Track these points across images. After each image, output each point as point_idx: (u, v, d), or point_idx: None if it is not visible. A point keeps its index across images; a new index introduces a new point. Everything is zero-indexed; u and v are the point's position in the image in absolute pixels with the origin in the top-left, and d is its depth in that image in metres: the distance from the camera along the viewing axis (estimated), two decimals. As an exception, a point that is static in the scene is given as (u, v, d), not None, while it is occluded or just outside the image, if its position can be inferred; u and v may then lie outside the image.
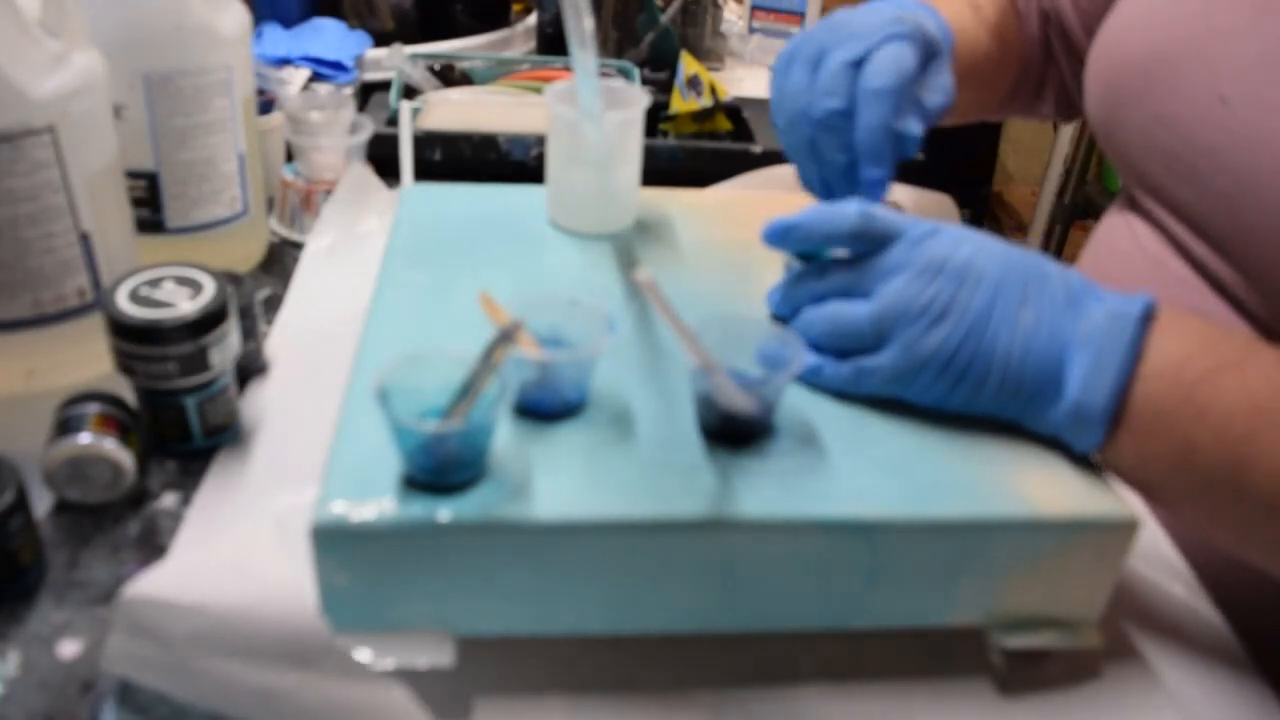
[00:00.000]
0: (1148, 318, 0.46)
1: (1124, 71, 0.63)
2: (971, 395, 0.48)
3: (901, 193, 0.81)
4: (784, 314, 0.54)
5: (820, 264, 0.52)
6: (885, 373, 0.48)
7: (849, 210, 0.49)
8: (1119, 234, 0.67)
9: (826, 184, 0.59)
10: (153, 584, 0.42)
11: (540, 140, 0.93)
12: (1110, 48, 0.65)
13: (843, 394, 0.51)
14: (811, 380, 0.50)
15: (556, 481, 0.44)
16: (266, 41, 1.05)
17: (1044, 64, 0.79)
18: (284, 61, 1.02)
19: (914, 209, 0.71)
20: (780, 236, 0.51)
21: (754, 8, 1.43)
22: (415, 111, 0.95)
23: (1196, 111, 0.57)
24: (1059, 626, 0.48)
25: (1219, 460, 0.44)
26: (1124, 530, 0.46)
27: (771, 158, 0.97)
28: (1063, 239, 2.54)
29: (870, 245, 0.49)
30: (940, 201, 0.90)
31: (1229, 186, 0.55)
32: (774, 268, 0.62)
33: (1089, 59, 0.67)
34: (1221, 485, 0.44)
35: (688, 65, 1.03)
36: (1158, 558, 0.57)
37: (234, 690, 0.41)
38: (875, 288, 0.49)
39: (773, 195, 0.74)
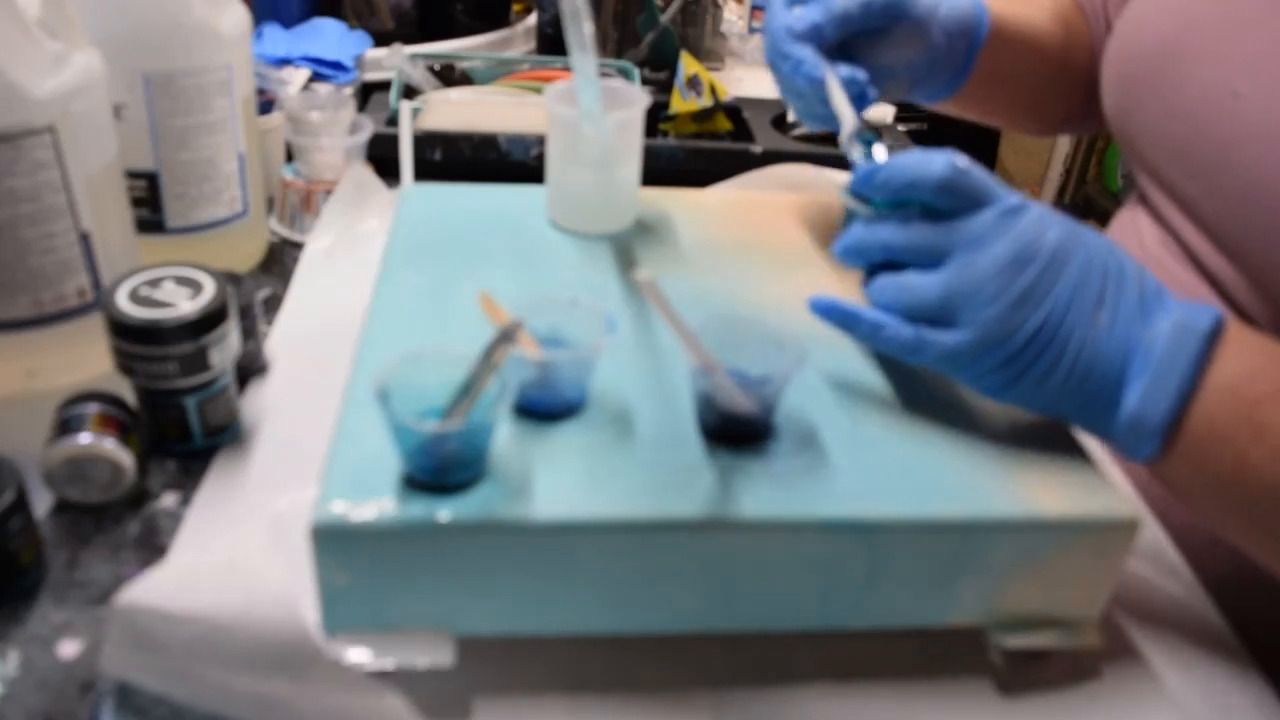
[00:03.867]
0: (1215, 333, 0.44)
1: (1138, 60, 0.62)
2: (1031, 391, 0.46)
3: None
4: (852, 263, 0.51)
5: (902, 212, 0.48)
6: (948, 349, 0.46)
7: (938, 159, 0.46)
8: (1125, 234, 0.67)
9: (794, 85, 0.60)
10: (147, 591, 0.41)
11: (540, 140, 0.93)
12: (1126, 35, 0.64)
13: (889, 366, 0.50)
14: (870, 338, 0.48)
15: (556, 481, 0.44)
16: (266, 41, 1.05)
17: None
18: (284, 61, 1.02)
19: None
20: (865, 180, 0.49)
21: (754, 8, 1.43)
22: (415, 111, 0.95)
23: (1207, 104, 0.56)
24: (1059, 626, 0.48)
25: (1272, 481, 0.43)
26: (1124, 530, 0.46)
27: (771, 158, 0.97)
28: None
29: (956, 203, 0.46)
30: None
31: (1237, 183, 0.54)
32: (774, 267, 0.62)
33: (1106, 48, 0.67)
34: (1272, 507, 0.43)
35: (688, 65, 1.03)
36: (1158, 558, 0.57)
37: (231, 696, 0.41)
38: (955, 255, 0.46)
39: (773, 195, 0.74)
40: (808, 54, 0.58)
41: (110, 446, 0.52)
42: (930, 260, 0.47)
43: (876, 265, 0.50)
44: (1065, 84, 0.74)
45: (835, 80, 0.57)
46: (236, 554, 0.50)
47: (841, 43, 0.60)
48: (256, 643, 0.40)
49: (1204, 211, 0.58)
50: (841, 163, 0.91)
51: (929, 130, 1.69)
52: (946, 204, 0.46)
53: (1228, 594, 0.54)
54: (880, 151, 0.53)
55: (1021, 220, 0.45)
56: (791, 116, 1.07)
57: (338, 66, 1.04)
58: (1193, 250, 0.59)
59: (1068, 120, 0.79)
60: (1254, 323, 0.56)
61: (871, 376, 0.52)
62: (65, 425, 0.52)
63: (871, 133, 0.55)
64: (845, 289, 0.60)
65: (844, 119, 0.56)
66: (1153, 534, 0.58)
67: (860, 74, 0.57)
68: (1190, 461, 0.45)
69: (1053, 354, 0.45)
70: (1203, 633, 0.53)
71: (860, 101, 0.57)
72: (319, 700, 0.40)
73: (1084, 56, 0.74)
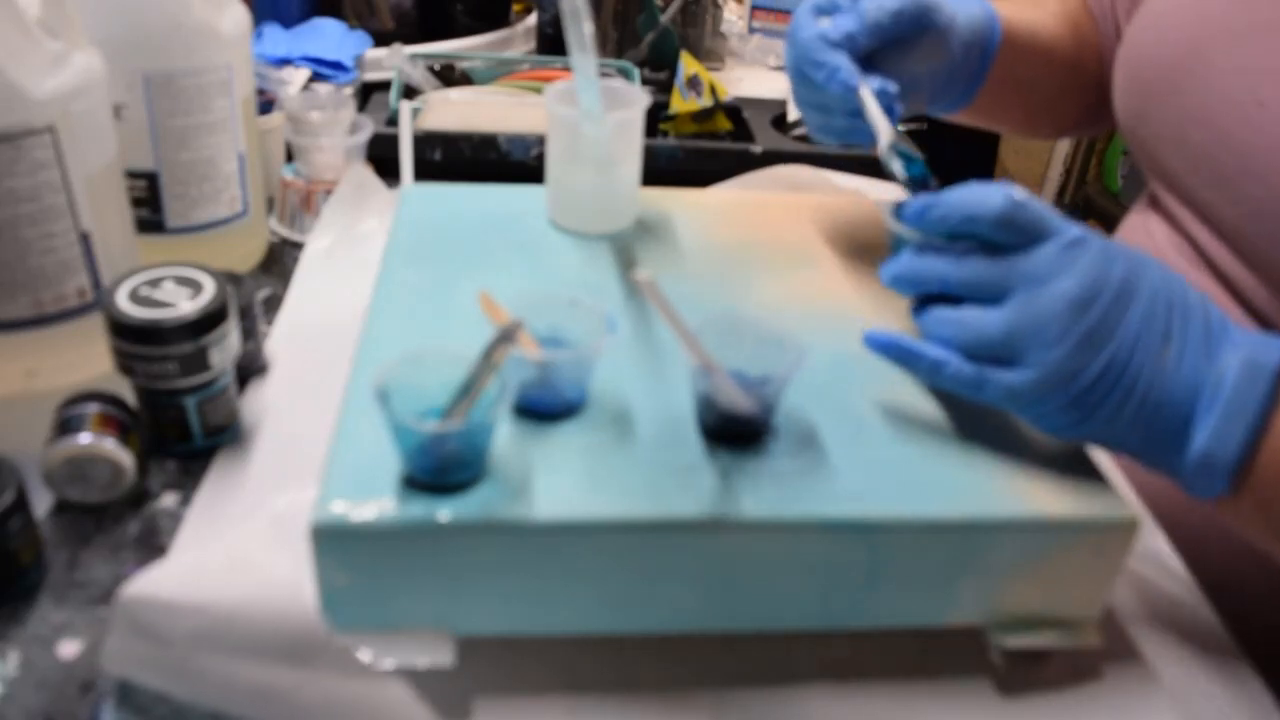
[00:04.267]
0: None
1: (1152, 66, 0.61)
2: (1099, 430, 0.45)
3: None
4: (903, 291, 0.50)
5: (959, 244, 0.47)
6: (1013, 388, 0.45)
7: (996, 193, 0.45)
8: (1136, 237, 0.66)
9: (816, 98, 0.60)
10: (151, 583, 0.42)
11: (540, 140, 0.93)
12: (1139, 40, 0.63)
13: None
14: (931, 375, 0.47)
15: (556, 481, 0.44)
16: (266, 41, 1.05)
17: None
18: (284, 61, 1.02)
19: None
20: (919, 215, 0.48)
21: (754, 8, 1.43)
22: (415, 111, 0.95)
23: (1231, 111, 0.55)
24: (1059, 626, 0.48)
25: None
26: (1124, 530, 0.46)
27: (771, 158, 0.97)
28: (1063, 239, 2.53)
29: (1015, 237, 0.45)
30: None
31: (1261, 193, 0.53)
32: (774, 267, 0.62)
33: (1120, 48, 0.65)
34: None
35: (688, 65, 1.03)
36: (1157, 558, 0.57)
37: (233, 689, 0.41)
38: (1017, 291, 0.45)
39: (773, 195, 0.74)
40: (843, 61, 0.56)
41: (110, 446, 0.52)
42: (990, 295, 0.46)
43: (929, 296, 0.49)
44: (1076, 88, 0.74)
45: (869, 91, 0.56)
46: (239, 550, 0.50)
47: (868, 54, 0.58)
48: (261, 632, 0.40)
49: (1222, 219, 0.57)
50: (841, 163, 0.91)
51: (929, 130, 1.69)
52: (1005, 238, 0.45)
53: (1226, 597, 0.54)
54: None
55: (1086, 254, 0.44)
56: (792, 115, 1.07)
57: (338, 66, 1.04)
58: (1208, 255, 0.59)
59: (1078, 124, 0.78)
60: (1273, 329, 0.55)
61: (871, 377, 0.52)
62: (65, 425, 0.52)
63: (906, 145, 0.55)
64: (848, 290, 0.60)
65: (880, 130, 0.55)
66: (1152, 536, 0.58)
67: (891, 85, 0.56)
68: (1259, 499, 0.44)
69: (1121, 392, 0.44)
70: (1202, 634, 0.53)
71: (889, 115, 0.56)
72: (323, 691, 0.40)
73: (1093, 60, 0.74)
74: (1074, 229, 0.45)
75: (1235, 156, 0.55)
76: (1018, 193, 0.45)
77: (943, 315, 0.47)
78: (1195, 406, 0.44)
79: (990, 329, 0.45)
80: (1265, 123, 0.53)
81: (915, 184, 0.54)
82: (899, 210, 0.50)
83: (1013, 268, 0.45)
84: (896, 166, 0.54)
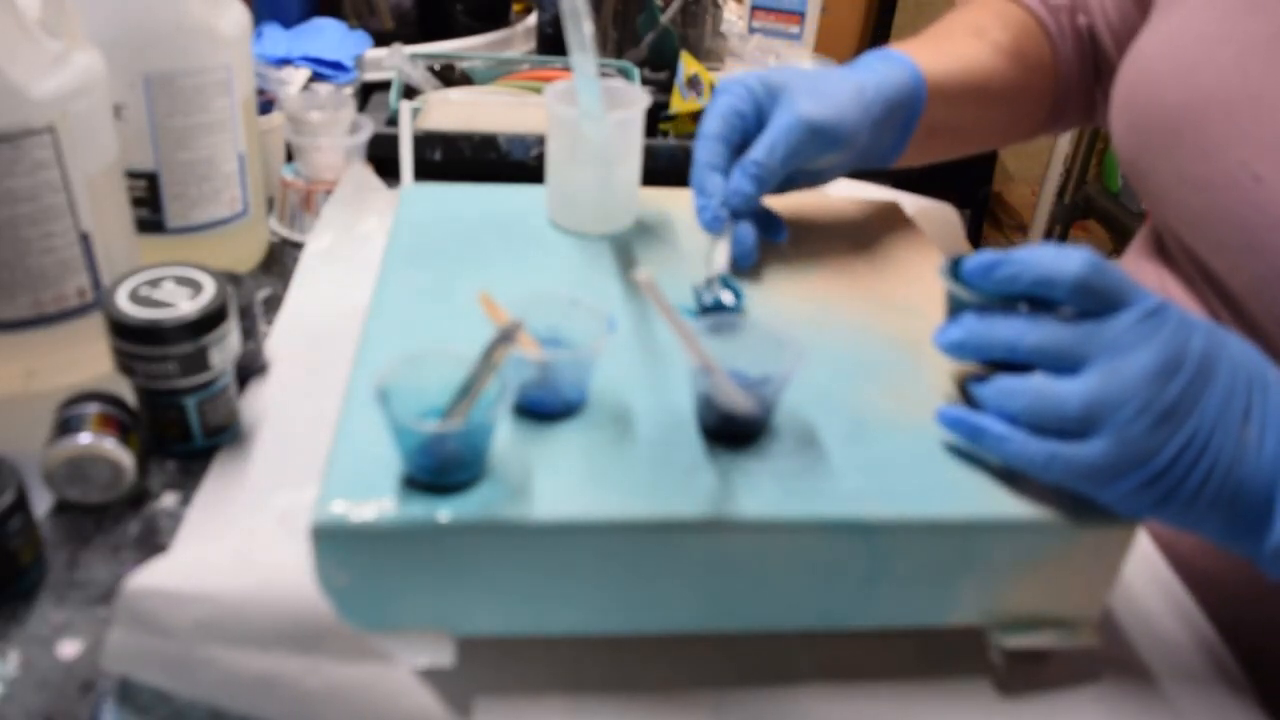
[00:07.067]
0: None
1: (1149, 118, 0.59)
2: (1176, 512, 0.43)
3: (905, 200, 0.80)
4: (964, 358, 0.47)
5: (1032, 310, 0.45)
6: (1085, 467, 0.42)
7: (1074, 256, 0.43)
8: (1148, 285, 0.65)
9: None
10: (155, 575, 0.42)
11: (540, 140, 0.93)
12: (1135, 85, 0.62)
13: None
14: (994, 449, 0.45)
15: (556, 481, 0.44)
16: (266, 41, 1.05)
17: (1092, 81, 0.75)
18: (284, 61, 1.02)
19: (916, 217, 0.71)
20: (983, 272, 0.45)
21: (754, 8, 1.43)
22: (415, 111, 0.95)
23: (1227, 182, 0.53)
24: (1059, 626, 0.48)
25: None
26: (1123, 530, 0.46)
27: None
28: (1063, 239, 2.54)
29: (1092, 303, 0.43)
30: (942, 211, 0.90)
31: (1261, 268, 0.52)
32: (772, 266, 0.62)
33: (1113, 93, 0.64)
34: None
35: (688, 65, 1.03)
36: (1152, 562, 0.57)
37: (236, 680, 0.41)
38: (1096, 361, 0.42)
39: (770, 195, 0.74)
40: (718, 207, 0.59)
41: (110, 446, 0.52)
42: (1065, 365, 0.43)
43: (994, 362, 0.47)
44: (1024, 109, 0.73)
45: (729, 236, 0.59)
46: (243, 540, 0.50)
47: None
48: (267, 618, 0.40)
49: (1226, 286, 0.56)
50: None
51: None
52: (1082, 304, 0.43)
53: (1225, 624, 0.54)
54: (728, 297, 0.55)
55: (1167, 325, 0.42)
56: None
57: (338, 66, 1.04)
58: (1219, 316, 0.58)
59: (1033, 135, 0.77)
60: None
61: (871, 377, 0.52)
62: (65, 425, 0.52)
63: (734, 280, 0.57)
64: (848, 290, 0.60)
65: (715, 263, 0.58)
66: (1152, 558, 0.58)
67: (749, 237, 0.59)
68: None
69: (1201, 472, 0.42)
70: (1194, 641, 0.53)
71: (744, 259, 0.59)
72: (328, 677, 0.40)
73: (1047, 80, 0.73)
74: (1152, 297, 0.43)
75: (1233, 228, 0.53)
76: (1096, 257, 0.43)
77: (1010, 386, 0.45)
78: (1276, 488, 0.42)
79: (1067, 401, 0.42)
80: (1263, 199, 0.51)
81: (709, 309, 0.55)
82: (955, 267, 0.48)
83: (1092, 336, 0.42)
84: (708, 296, 0.55)
